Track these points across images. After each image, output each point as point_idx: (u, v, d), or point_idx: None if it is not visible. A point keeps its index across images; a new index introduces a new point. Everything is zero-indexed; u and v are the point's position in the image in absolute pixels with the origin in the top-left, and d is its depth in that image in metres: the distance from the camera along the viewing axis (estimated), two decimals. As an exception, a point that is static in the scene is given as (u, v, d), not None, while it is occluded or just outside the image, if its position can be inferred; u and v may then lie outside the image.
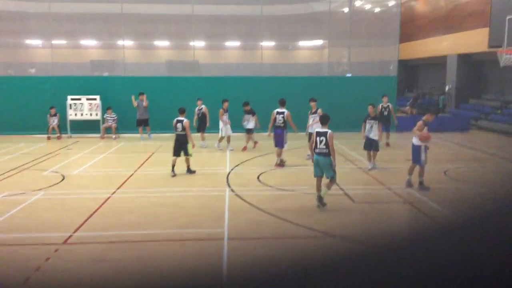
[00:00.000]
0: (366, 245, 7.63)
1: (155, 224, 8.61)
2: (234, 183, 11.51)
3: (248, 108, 16.11)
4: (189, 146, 12.50)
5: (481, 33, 23.83)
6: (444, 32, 28.57)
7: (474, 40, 24.74)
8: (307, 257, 7.13)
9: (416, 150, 10.82)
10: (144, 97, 19.18)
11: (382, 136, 15.28)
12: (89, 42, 24.80)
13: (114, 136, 19.59)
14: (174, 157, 12.55)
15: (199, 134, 16.86)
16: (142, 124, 19.37)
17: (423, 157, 10.68)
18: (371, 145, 13.01)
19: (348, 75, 22.97)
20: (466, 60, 27.04)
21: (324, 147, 9.29)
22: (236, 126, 16.87)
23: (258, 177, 12.16)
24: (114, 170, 13.41)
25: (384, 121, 15.96)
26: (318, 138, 9.37)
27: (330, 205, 9.61)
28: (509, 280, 5.05)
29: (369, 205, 9.86)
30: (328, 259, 7.10)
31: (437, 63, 30.44)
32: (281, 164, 13.47)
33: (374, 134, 12.91)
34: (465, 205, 9.81)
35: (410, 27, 32.56)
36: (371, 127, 12.92)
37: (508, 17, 17.28)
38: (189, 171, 12.71)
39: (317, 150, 9.41)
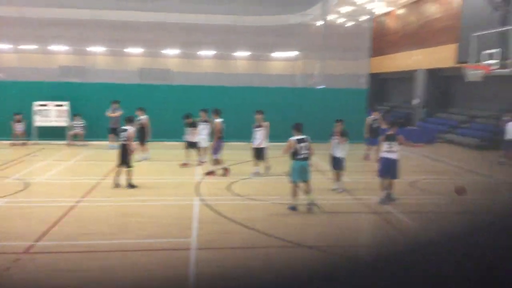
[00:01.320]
0: (334, 255, 7.63)
1: (121, 234, 8.41)
2: (204, 193, 11.38)
3: (190, 121, 15.01)
4: (131, 158, 11.85)
5: (449, 49, 24.50)
6: (414, 47, 29.24)
7: (442, 56, 25.40)
8: (276, 267, 7.07)
9: (395, 164, 10.68)
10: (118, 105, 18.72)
11: (371, 149, 15.55)
12: (59, 48, 24.36)
13: (81, 144, 19.18)
14: (118, 168, 11.84)
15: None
16: (114, 132, 18.97)
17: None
18: (336, 164, 11.90)
19: (321, 87, 23.21)
20: (434, 75, 27.70)
21: (307, 152, 9.92)
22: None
23: (228, 187, 12.07)
24: (80, 178, 13.09)
25: (374, 135, 15.97)
26: (301, 145, 9.86)
27: (300, 215, 9.61)
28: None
29: (338, 216, 9.89)
30: (298, 269, 7.06)
31: (407, 77, 31.10)
32: (211, 173, 13.51)
33: (340, 152, 11.79)
34: (430, 216, 9.95)
35: (381, 41, 33.22)
36: (337, 144, 11.80)
37: (475, 34, 17.81)
38: (130, 185, 11.71)
39: (301, 156, 9.85)
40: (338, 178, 11.96)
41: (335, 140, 11.81)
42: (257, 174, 13.55)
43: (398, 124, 11.71)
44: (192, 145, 14.96)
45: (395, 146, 10.59)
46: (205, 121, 14.28)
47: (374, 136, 15.89)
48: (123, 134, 11.89)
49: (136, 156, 13.58)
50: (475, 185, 13.22)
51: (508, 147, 16.90)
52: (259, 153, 13.57)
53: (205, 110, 14.54)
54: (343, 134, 11.75)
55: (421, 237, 8.61)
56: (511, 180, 14.26)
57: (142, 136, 15.79)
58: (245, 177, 13.38)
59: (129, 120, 12.39)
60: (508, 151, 16.93)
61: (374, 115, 16.97)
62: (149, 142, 16.32)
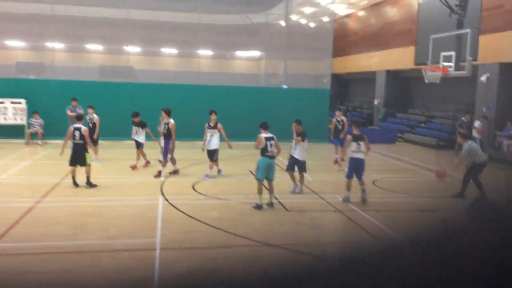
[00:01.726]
0: (300, 254, 7.72)
1: (83, 234, 8.23)
2: (168, 192, 11.28)
3: (137, 119, 14.25)
4: (87, 155, 11.64)
5: (408, 51, 25.20)
6: (374, 49, 29.91)
7: (401, 57, 26.10)
8: (242, 267, 7.10)
9: (363, 164, 10.77)
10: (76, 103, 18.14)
11: (338, 151, 15.44)
12: (15, 43, 23.52)
13: (40, 142, 18.61)
14: (72, 168, 11.63)
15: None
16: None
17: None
18: (294, 166, 11.57)
19: (284, 86, 23.40)
20: (394, 76, 28.43)
21: (274, 150, 10.11)
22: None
23: (192, 186, 12.01)
24: (39, 178, 12.71)
25: (338, 136, 15.81)
26: (268, 143, 10.01)
27: (265, 214, 9.68)
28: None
29: (302, 214, 10.01)
30: (263, 268, 7.10)
31: (368, 78, 31.77)
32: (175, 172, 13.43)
33: (298, 154, 11.46)
34: (391, 213, 10.23)
35: (343, 42, 33.79)
36: (295, 145, 11.53)
37: (432, 36, 18.38)
38: (89, 184, 11.54)
39: (268, 154, 9.99)
40: (300, 180, 11.66)
41: (293, 140, 11.60)
42: (207, 177, 12.96)
43: (360, 123, 11.84)
44: (139, 145, 14.27)
45: (363, 146, 10.70)
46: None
47: (339, 137, 15.85)
48: (77, 133, 11.58)
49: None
50: (435, 183, 13.67)
51: None
52: (212, 155, 12.92)
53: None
54: (301, 134, 11.43)
55: (385, 235, 8.83)
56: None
57: (91, 136, 14.09)
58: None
59: (79, 118, 12.14)
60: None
61: (338, 115, 16.43)
62: (109, 141, 16.02)
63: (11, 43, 23.34)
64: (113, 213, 9.57)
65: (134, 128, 14.33)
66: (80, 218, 9.11)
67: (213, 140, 12.84)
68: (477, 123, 18.47)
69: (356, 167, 10.70)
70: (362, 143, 10.70)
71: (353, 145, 10.68)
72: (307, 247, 8.10)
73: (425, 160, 17.98)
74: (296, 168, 11.62)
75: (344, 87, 38.18)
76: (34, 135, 18.89)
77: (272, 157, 10.11)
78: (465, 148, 11.51)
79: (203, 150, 13.16)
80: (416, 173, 15.45)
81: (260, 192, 10.02)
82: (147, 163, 14.43)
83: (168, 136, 12.88)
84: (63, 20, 21.51)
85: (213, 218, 9.27)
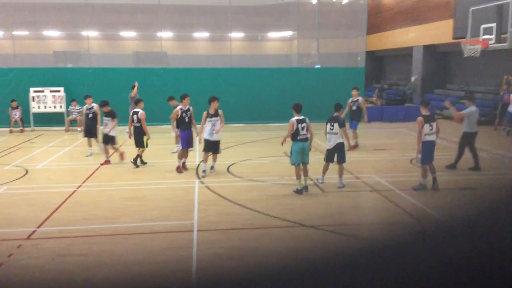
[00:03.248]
0: (336, 234, 7.67)
1: (123, 217, 8.43)
2: (204, 176, 11.37)
3: (107, 109, 12.83)
4: (145, 138, 12.18)
5: (445, 25, 24.30)
6: (410, 24, 29.00)
7: (439, 32, 25.21)
8: (278, 247, 7.11)
9: (434, 147, 10.06)
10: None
11: (349, 135, 14.14)
12: (52, 33, 24.08)
13: (79, 129, 19.11)
14: (137, 149, 12.44)
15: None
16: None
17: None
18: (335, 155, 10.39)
19: (317, 66, 23.08)
20: (431, 51, 27.54)
21: (306, 132, 9.73)
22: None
23: (228, 169, 12.07)
24: (79, 164, 13.07)
25: (353, 117, 14.81)
26: (300, 125, 9.66)
27: (301, 195, 9.65)
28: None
29: (338, 194, 9.90)
30: (299, 248, 7.10)
31: (403, 54, 30.91)
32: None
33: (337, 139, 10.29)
34: (429, 192, 9.97)
35: (377, 18, 32.93)
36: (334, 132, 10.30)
37: (471, 9, 17.64)
38: (135, 162, 12.31)
39: (301, 137, 9.69)
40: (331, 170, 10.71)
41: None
42: (213, 169, 11.73)
43: (428, 103, 10.58)
44: (108, 139, 12.84)
45: (435, 127, 9.99)
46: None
47: (354, 119, 14.81)
48: (135, 117, 12.22)
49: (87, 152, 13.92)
50: (482, 161, 13.25)
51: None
52: (216, 146, 11.53)
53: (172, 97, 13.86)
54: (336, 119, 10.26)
55: (425, 214, 8.64)
56: None
57: (94, 128, 13.70)
58: (244, 158, 13.37)
59: (137, 101, 12.67)
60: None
61: (354, 95, 14.91)
62: (149, 126, 16.21)
63: (48, 33, 23.91)
64: (151, 197, 9.76)
65: (104, 120, 12.96)
66: (119, 202, 9.33)
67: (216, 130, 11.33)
68: None
69: (431, 151, 9.99)
70: (434, 124, 9.96)
71: (426, 127, 9.86)
72: (342, 227, 8.03)
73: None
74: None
75: (379, 64, 37.33)
76: (73, 122, 19.42)
77: (306, 139, 9.76)
78: (469, 110, 11.73)
79: (200, 141, 11.60)
80: (455, 150, 14.97)
81: (298, 177, 9.81)
82: (106, 161, 12.72)
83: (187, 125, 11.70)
84: (96, 8, 21.85)
85: (248, 200, 9.31)
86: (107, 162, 12.74)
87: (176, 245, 7.15)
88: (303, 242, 7.34)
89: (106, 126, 12.88)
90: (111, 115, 12.88)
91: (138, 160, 12.48)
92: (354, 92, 15.01)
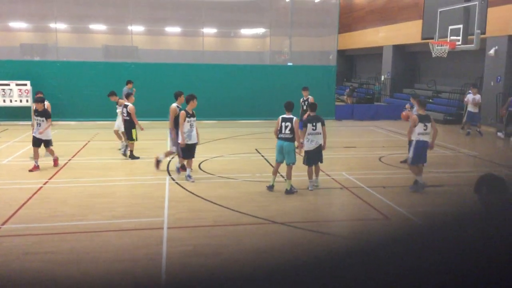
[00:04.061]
0: (306, 231, 7.74)
1: (90, 215, 8.29)
2: (175, 171, 11.29)
3: (41, 107, 11.35)
4: (134, 131, 12.41)
5: (415, 25, 24.78)
6: (381, 24, 29.47)
7: (408, 32, 25.70)
8: (248, 244, 7.13)
9: (427, 148, 9.99)
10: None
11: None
12: (19, 25, 23.38)
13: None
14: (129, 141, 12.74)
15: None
16: None
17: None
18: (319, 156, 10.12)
19: (289, 64, 23.20)
20: (401, 51, 28.06)
21: (289, 132, 9.47)
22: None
23: (199, 165, 12.02)
24: (46, 159, 12.76)
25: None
26: (283, 124, 9.50)
27: (272, 192, 9.69)
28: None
29: (308, 192, 9.98)
30: (269, 245, 7.13)
31: (374, 53, 31.39)
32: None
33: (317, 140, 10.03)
34: (397, 189, 10.19)
35: (348, 18, 33.32)
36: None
37: (439, 10, 18.04)
38: (132, 156, 12.69)
39: (281, 136, 9.54)
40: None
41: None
42: (190, 178, 10.59)
43: (425, 103, 10.64)
44: (40, 143, 11.46)
45: (430, 128, 9.91)
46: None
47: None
48: (124, 110, 12.47)
49: None
50: (441, 158, 13.59)
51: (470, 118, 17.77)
52: (193, 150, 10.74)
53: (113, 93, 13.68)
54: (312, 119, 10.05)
55: (392, 211, 8.82)
56: (476, 152, 14.72)
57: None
58: (215, 155, 13.34)
59: (127, 96, 12.70)
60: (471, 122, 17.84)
61: (304, 95, 14.59)
62: (113, 122, 15.97)
63: (15, 24, 23.21)
64: (120, 193, 9.63)
65: (36, 120, 11.36)
66: (88, 199, 9.16)
67: (194, 131, 10.55)
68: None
69: (422, 151, 9.89)
70: (429, 124, 9.83)
71: (420, 126, 9.78)
72: (312, 224, 8.11)
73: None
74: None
75: (350, 63, 37.82)
76: (40, 117, 18.94)
77: (286, 139, 9.49)
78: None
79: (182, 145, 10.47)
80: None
81: (273, 173, 9.82)
82: (35, 167, 11.35)
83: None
84: (66, 0, 21.34)
85: (219, 196, 9.30)
86: (36, 168, 11.29)
87: (145, 242, 7.08)
88: (274, 239, 7.38)
89: (38, 128, 11.23)
90: (45, 114, 11.32)
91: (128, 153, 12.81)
92: (304, 92, 14.76)
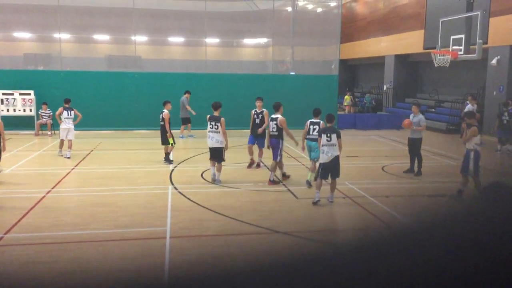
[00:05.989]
0: (309, 240, 7.72)
1: (93, 224, 8.28)
2: (177, 181, 11.31)
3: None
4: (168, 136, 13.08)
5: (417, 35, 24.88)
6: (383, 34, 29.58)
7: (410, 42, 25.80)
8: (251, 254, 7.11)
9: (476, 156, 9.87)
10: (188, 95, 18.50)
11: (259, 152, 12.91)
12: (23, 35, 23.55)
13: (49, 133, 18.73)
14: (163, 146, 13.40)
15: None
16: (186, 122, 18.52)
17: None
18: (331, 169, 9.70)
19: (292, 73, 23.26)
20: (403, 60, 28.13)
21: (317, 134, 10.24)
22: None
23: (201, 175, 12.03)
24: (49, 169, 12.80)
25: (255, 132, 12.65)
26: (311, 127, 10.77)
27: (275, 201, 9.67)
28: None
29: (311, 201, 9.95)
30: (272, 255, 7.10)
31: (376, 63, 31.46)
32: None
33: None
34: (400, 199, 10.17)
35: (351, 28, 33.46)
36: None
37: (441, 20, 18.11)
38: (167, 159, 13.35)
39: (309, 136, 10.84)
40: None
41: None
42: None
43: (474, 115, 10.64)
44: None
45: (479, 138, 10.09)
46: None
47: (255, 134, 12.94)
48: (160, 116, 13.18)
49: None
50: (444, 168, 13.57)
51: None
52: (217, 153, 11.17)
53: None
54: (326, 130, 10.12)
55: (394, 220, 8.79)
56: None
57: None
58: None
59: (164, 103, 13.46)
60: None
61: (258, 107, 12.94)
62: (116, 131, 16.06)
63: (19, 35, 23.37)
64: (123, 203, 9.63)
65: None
66: (90, 208, 9.17)
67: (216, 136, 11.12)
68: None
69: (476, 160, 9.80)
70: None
71: (477, 138, 9.85)
72: (315, 233, 8.09)
73: (434, 145, 17.83)
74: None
75: (352, 73, 37.90)
76: (43, 126, 19.02)
77: (314, 140, 10.59)
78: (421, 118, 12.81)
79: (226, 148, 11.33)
80: (426, 158, 15.30)
81: (311, 170, 11.03)
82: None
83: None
84: (69, 10, 21.50)
85: (222, 206, 9.29)
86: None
87: (148, 252, 7.06)
88: (277, 249, 7.34)
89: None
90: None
91: (167, 156, 13.44)
92: (258, 103, 12.88)
